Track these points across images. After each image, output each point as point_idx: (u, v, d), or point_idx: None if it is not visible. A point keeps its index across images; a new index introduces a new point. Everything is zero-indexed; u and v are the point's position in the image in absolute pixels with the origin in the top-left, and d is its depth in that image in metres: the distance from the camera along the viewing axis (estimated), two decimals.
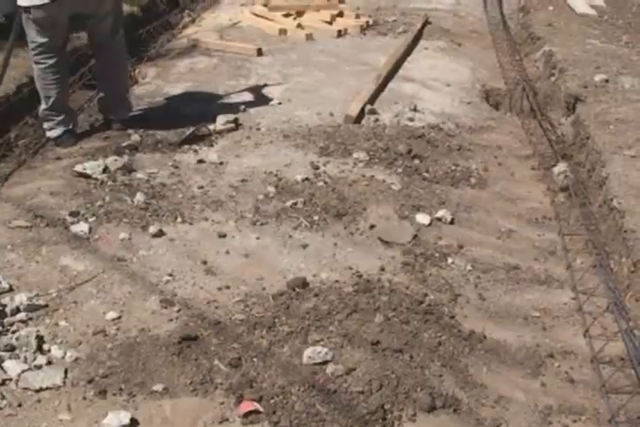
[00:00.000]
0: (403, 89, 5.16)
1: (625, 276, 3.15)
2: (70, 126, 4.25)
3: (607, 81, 5.02)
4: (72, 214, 3.41)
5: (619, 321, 2.79)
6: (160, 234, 3.30)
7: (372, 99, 4.87)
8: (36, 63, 4.11)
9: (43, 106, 4.18)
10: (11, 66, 4.90)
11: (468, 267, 3.19)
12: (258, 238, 3.31)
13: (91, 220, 3.38)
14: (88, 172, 3.77)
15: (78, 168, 3.79)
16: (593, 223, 3.55)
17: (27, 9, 3.86)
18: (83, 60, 4.98)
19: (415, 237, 3.37)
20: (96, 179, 3.74)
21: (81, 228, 3.30)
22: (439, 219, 3.52)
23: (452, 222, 3.52)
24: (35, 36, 4.00)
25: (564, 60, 5.46)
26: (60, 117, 4.20)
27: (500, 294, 3.05)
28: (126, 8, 6.09)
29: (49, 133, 4.24)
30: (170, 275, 3.03)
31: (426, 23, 6.55)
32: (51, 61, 4.07)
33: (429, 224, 3.48)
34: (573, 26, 6.44)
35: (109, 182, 3.72)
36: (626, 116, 4.45)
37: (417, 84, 5.25)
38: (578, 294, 3.05)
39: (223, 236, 3.32)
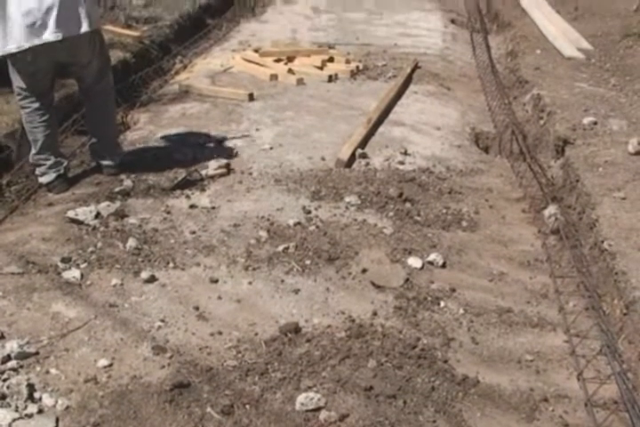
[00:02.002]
0: (393, 133, 5.25)
1: (617, 318, 3.19)
2: (62, 171, 4.31)
3: (595, 123, 5.14)
4: (64, 260, 3.44)
5: (612, 364, 2.82)
6: (152, 280, 3.34)
7: (363, 143, 4.96)
8: (22, 107, 4.22)
9: (32, 150, 4.26)
10: (3, 112, 5.04)
11: (461, 310, 3.22)
12: (250, 283, 3.34)
13: (82, 266, 3.41)
14: (80, 218, 3.82)
15: (70, 214, 3.84)
16: (584, 265, 3.60)
17: (6, 56, 3.97)
18: (75, 106, 5.06)
19: (407, 280, 3.41)
20: (88, 225, 3.79)
21: (72, 274, 3.34)
22: (431, 262, 3.57)
23: (443, 266, 3.57)
24: (18, 82, 4.12)
25: (553, 103, 5.59)
26: (51, 162, 4.26)
27: (492, 337, 3.08)
28: (119, 54, 6.23)
29: (41, 179, 4.30)
30: (162, 321, 3.05)
31: (415, 67, 6.69)
32: (35, 105, 4.16)
33: (421, 268, 3.52)
34: (561, 69, 6.59)
35: (101, 228, 3.76)
36: (614, 159, 4.54)
37: (407, 128, 5.35)
38: (571, 337, 3.09)
39: (215, 281, 3.35)
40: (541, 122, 5.45)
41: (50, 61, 4.07)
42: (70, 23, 3.96)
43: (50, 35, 3.91)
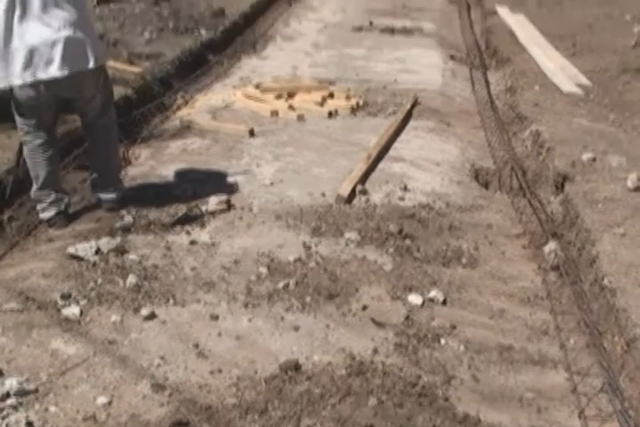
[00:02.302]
0: (393, 169, 5.31)
1: (618, 355, 3.20)
2: (62, 208, 4.35)
3: (595, 160, 5.20)
4: (63, 297, 3.47)
5: (613, 402, 2.82)
6: (152, 316, 3.36)
7: (363, 179, 5.02)
8: (24, 143, 4.26)
9: (34, 186, 4.30)
10: (5, 147, 5.10)
11: (462, 348, 3.24)
12: (250, 320, 3.36)
13: (82, 302, 3.44)
14: (80, 254, 3.85)
15: (70, 250, 3.87)
16: (585, 302, 3.62)
17: (9, 91, 4.02)
18: (76, 141, 5.12)
19: (408, 317, 3.43)
20: (88, 261, 3.82)
21: (72, 311, 3.36)
22: (431, 299, 3.59)
23: (444, 302, 3.59)
24: (22, 116, 4.15)
25: (552, 139, 5.66)
26: (52, 198, 4.30)
27: (493, 375, 3.08)
28: (121, 90, 6.31)
29: (41, 215, 4.34)
30: (161, 358, 3.06)
31: (415, 103, 6.78)
32: (38, 141, 4.21)
33: (422, 305, 3.54)
34: (560, 105, 6.69)
35: (101, 264, 3.79)
36: (614, 195, 4.59)
37: (407, 164, 5.41)
38: (572, 375, 3.09)
39: (215, 318, 3.37)
40: (541, 158, 5.52)
41: (54, 96, 4.12)
42: (77, 59, 4.03)
43: (56, 70, 3.97)
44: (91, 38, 4.11)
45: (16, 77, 3.96)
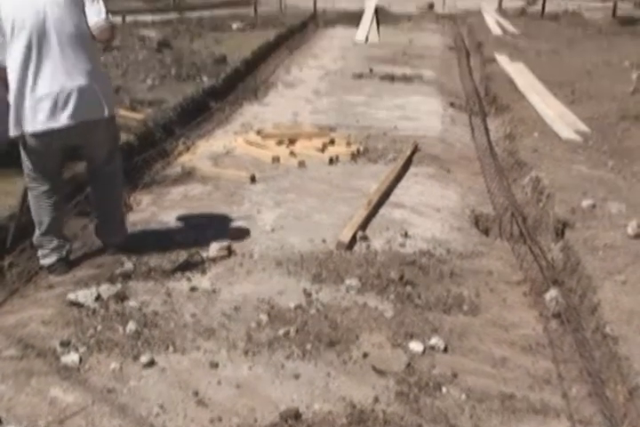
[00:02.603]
0: (393, 215, 5.36)
1: (621, 404, 3.20)
2: (64, 254, 4.39)
3: (594, 206, 5.25)
4: (63, 344, 3.48)
5: None
6: (151, 364, 3.37)
7: (364, 225, 5.07)
8: (30, 189, 4.32)
9: (36, 232, 4.35)
10: (8, 193, 5.16)
11: (463, 396, 3.24)
12: (250, 368, 3.37)
13: (81, 350, 3.45)
14: (80, 300, 3.88)
15: (71, 297, 3.90)
16: (587, 350, 3.63)
17: (19, 138, 4.11)
18: (78, 187, 5.19)
19: (409, 365, 3.44)
20: (88, 307, 3.84)
21: (71, 358, 3.37)
22: (432, 347, 3.60)
23: (445, 350, 3.60)
24: (29, 163, 4.22)
25: (552, 185, 5.73)
26: (53, 244, 4.35)
27: (495, 424, 3.08)
28: (123, 136, 6.39)
29: (42, 261, 4.38)
30: (160, 407, 3.06)
31: (415, 150, 6.87)
32: (43, 188, 4.27)
33: (423, 352, 3.55)
34: (559, 152, 6.78)
35: (101, 311, 3.81)
36: (614, 242, 4.63)
37: (407, 210, 5.47)
38: (574, 424, 3.09)
39: (215, 365, 3.38)
40: (540, 204, 5.57)
41: (63, 144, 4.20)
42: (89, 108, 4.10)
43: (67, 119, 4.04)
44: (104, 88, 4.19)
45: (29, 125, 4.04)
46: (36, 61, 3.99)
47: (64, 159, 4.37)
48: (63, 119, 4.03)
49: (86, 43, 4.11)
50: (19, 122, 4.03)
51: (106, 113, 4.16)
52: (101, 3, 4.14)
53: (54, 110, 4.01)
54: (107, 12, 4.15)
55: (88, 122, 4.12)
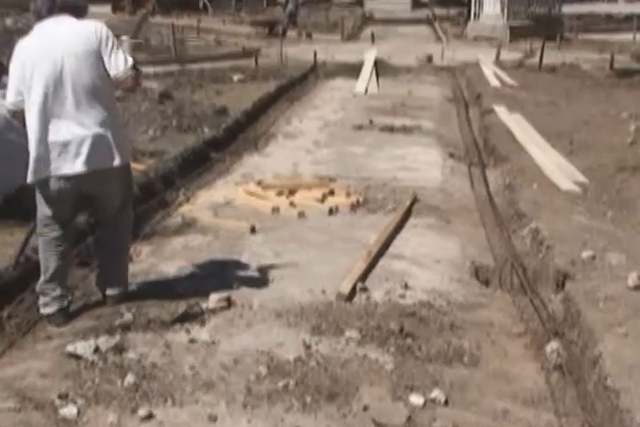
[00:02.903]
0: (393, 266, 5.40)
1: None
2: (65, 305, 4.41)
3: (594, 257, 5.29)
4: (61, 397, 3.48)
5: None
6: (149, 417, 3.36)
7: (364, 276, 5.10)
8: (40, 235, 4.39)
9: (41, 279, 4.39)
10: (7, 244, 5.21)
11: None
12: (249, 422, 3.36)
13: (80, 402, 3.45)
14: (79, 352, 3.89)
15: (69, 349, 3.91)
16: (589, 403, 3.62)
17: (35, 183, 4.21)
18: (79, 237, 5.24)
19: (409, 418, 3.43)
20: (87, 359, 3.84)
21: (69, 410, 3.37)
22: (433, 400, 3.59)
23: (446, 403, 3.59)
24: (42, 209, 4.32)
25: (551, 236, 5.78)
26: (56, 293, 4.38)
27: None
28: None
29: (42, 310, 4.40)
30: None
31: (415, 201, 6.94)
32: (54, 234, 4.33)
33: (423, 405, 3.55)
34: (558, 202, 6.85)
35: (100, 363, 3.82)
36: (615, 294, 4.66)
37: (407, 261, 5.51)
38: None
39: (214, 419, 3.37)
40: (540, 255, 5.61)
41: (77, 192, 4.28)
42: (103, 156, 4.19)
43: (81, 166, 4.13)
44: (118, 137, 4.26)
45: (42, 172, 4.13)
46: (52, 110, 4.10)
47: (77, 208, 4.45)
48: (76, 167, 4.12)
49: (103, 92, 4.21)
50: (34, 168, 4.14)
51: (118, 162, 4.23)
52: (122, 51, 4.24)
53: (67, 158, 4.11)
54: (133, 60, 4.24)
55: (101, 170, 4.21)
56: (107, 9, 29.89)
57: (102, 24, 4.33)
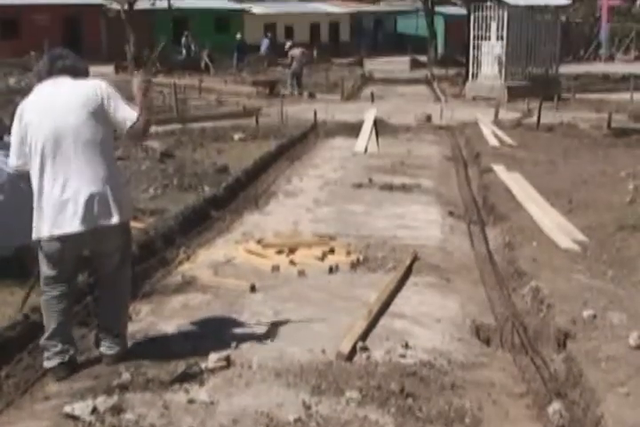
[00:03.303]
0: (394, 325, 5.41)
1: None
2: (66, 359, 4.44)
3: (595, 317, 5.31)
4: None
5: None
6: None
7: (364, 335, 5.11)
8: (43, 293, 4.45)
9: (44, 335, 4.43)
10: (7, 304, 5.24)
11: None
12: None
13: None
14: (76, 413, 3.88)
15: (67, 409, 3.90)
16: None
17: (37, 242, 4.29)
18: (79, 297, 5.26)
19: None
20: (84, 420, 3.83)
21: None
22: None
23: None
24: (44, 268, 4.39)
25: (552, 295, 5.81)
26: (57, 349, 4.42)
27: None
28: None
29: (45, 363, 4.45)
30: None
31: (415, 259, 6.99)
32: (55, 293, 4.39)
33: None
34: (558, 261, 6.89)
35: (97, 424, 3.81)
36: (616, 353, 4.66)
37: (408, 320, 5.52)
38: None
39: None
40: (541, 314, 5.63)
41: (77, 250, 4.36)
42: (101, 214, 4.26)
43: (80, 224, 4.20)
44: (117, 195, 4.33)
45: (43, 230, 4.22)
46: (52, 167, 4.21)
47: (78, 266, 4.50)
48: (74, 226, 4.19)
49: (103, 151, 4.32)
50: (35, 227, 4.25)
51: (116, 220, 4.29)
52: (124, 102, 4.35)
53: (66, 216, 4.19)
54: (136, 113, 4.33)
55: (100, 228, 4.27)
56: (110, 69, 30.58)
57: (103, 82, 4.47)
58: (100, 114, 4.31)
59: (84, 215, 4.20)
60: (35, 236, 4.27)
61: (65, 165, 4.22)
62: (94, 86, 4.38)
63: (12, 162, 4.41)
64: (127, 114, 4.33)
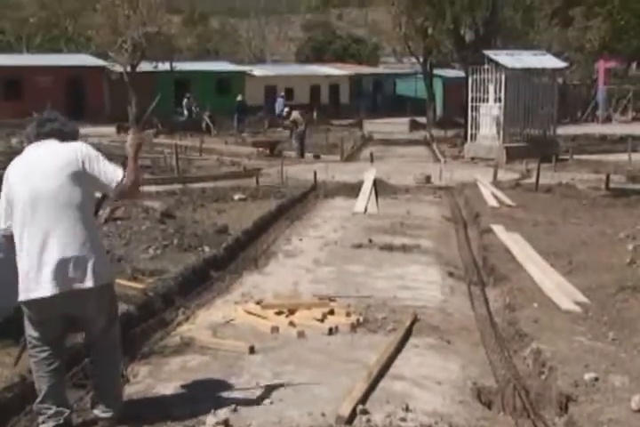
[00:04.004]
0: (394, 387, 5.39)
1: None
2: (61, 422, 4.42)
3: (597, 379, 5.29)
4: None
5: None
6: None
7: (364, 398, 5.08)
8: (30, 356, 4.45)
9: (37, 399, 4.41)
10: (4, 364, 5.23)
11: None
12: None
13: None
14: None
15: None
16: None
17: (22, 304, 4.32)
18: (75, 358, 5.26)
19: None
20: None
21: None
22: None
23: None
24: (29, 330, 4.41)
25: (553, 357, 5.79)
26: (52, 411, 4.40)
27: None
28: (123, 307, 6.55)
29: (41, 426, 4.42)
30: None
31: (415, 320, 6.99)
32: (43, 355, 4.39)
33: None
34: (559, 322, 6.89)
35: None
36: (618, 416, 4.65)
37: (408, 383, 5.49)
38: None
39: None
40: (543, 377, 5.61)
41: (58, 313, 4.37)
42: (78, 277, 4.29)
43: (53, 288, 4.23)
44: (96, 256, 4.36)
45: (22, 293, 4.25)
46: (29, 232, 4.29)
47: (64, 328, 4.50)
48: (47, 289, 4.22)
49: (81, 213, 4.36)
50: (18, 290, 4.27)
51: (91, 284, 4.29)
52: (108, 163, 4.41)
53: (42, 280, 4.24)
54: (122, 171, 4.38)
55: (78, 291, 4.28)
56: (112, 129, 31.04)
57: (82, 144, 4.54)
58: (79, 177, 4.37)
59: (58, 279, 4.22)
60: (17, 299, 4.31)
61: (43, 228, 4.28)
62: (75, 150, 4.45)
63: (1, 224, 4.46)
64: (111, 175, 4.38)
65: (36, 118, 4.75)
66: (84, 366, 5.22)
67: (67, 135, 4.62)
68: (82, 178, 4.38)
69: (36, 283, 4.23)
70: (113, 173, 4.38)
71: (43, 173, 4.34)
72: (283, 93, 34.85)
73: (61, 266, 4.24)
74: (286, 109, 28.38)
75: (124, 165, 4.44)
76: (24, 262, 4.28)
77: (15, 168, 4.46)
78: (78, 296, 4.32)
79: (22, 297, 4.28)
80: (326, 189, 16.44)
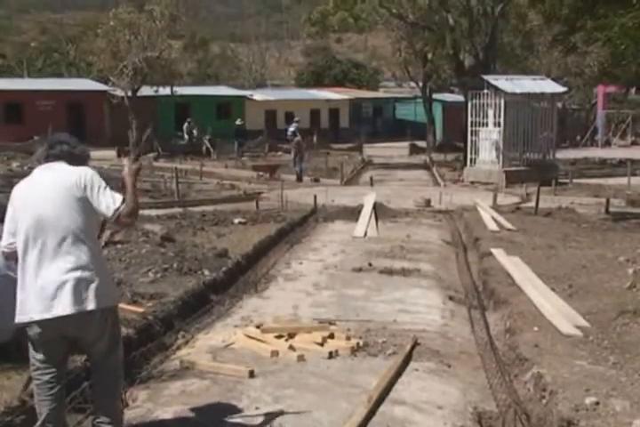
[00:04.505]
0: (394, 412, 5.38)
1: None
2: None
3: (598, 404, 5.27)
4: None
5: None
6: None
7: (364, 423, 5.08)
8: (32, 378, 4.44)
9: (37, 423, 4.39)
10: (4, 388, 5.22)
11: None
12: None
13: None
14: None
15: None
16: None
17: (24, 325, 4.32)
18: (75, 382, 5.25)
19: None
20: None
21: None
22: None
23: None
24: (32, 352, 4.39)
25: (554, 382, 5.77)
26: None
27: None
28: (122, 330, 6.54)
29: None
30: None
31: (415, 344, 6.98)
32: (45, 378, 4.37)
33: None
34: (560, 346, 6.87)
35: None
36: None
37: (408, 407, 5.48)
38: None
39: None
40: (544, 401, 5.59)
41: (60, 335, 4.36)
42: (80, 300, 4.28)
43: (58, 310, 4.23)
44: (99, 280, 4.36)
45: (24, 315, 4.25)
46: (32, 255, 4.31)
47: (66, 351, 4.49)
48: (54, 310, 4.22)
49: (84, 237, 4.37)
50: (18, 312, 4.28)
51: (93, 306, 4.28)
52: (108, 191, 4.43)
53: (44, 302, 4.23)
54: (121, 198, 4.39)
55: (79, 314, 4.27)
56: (112, 153, 31.16)
57: (88, 170, 4.54)
58: (82, 201, 4.39)
59: (61, 301, 4.22)
60: (17, 320, 4.31)
61: (44, 251, 4.30)
62: (79, 174, 4.46)
63: (4, 241, 4.49)
64: (110, 201, 4.39)
65: (47, 139, 4.77)
66: (84, 390, 5.21)
67: (76, 158, 4.64)
68: (84, 202, 4.40)
69: (40, 305, 4.24)
70: (111, 200, 4.40)
71: (44, 198, 4.37)
72: (298, 119, 33.47)
73: (64, 288, 4.24)
74: (291, 129, 28.40)
75: (121, 189, 4.46)
76: (26, 283, 4.29)
77: (19, 191, 4.50)
78: (81, 318, 4.32)
79: (25, 318, 4.28)
80: (326, 212, 16.48)
